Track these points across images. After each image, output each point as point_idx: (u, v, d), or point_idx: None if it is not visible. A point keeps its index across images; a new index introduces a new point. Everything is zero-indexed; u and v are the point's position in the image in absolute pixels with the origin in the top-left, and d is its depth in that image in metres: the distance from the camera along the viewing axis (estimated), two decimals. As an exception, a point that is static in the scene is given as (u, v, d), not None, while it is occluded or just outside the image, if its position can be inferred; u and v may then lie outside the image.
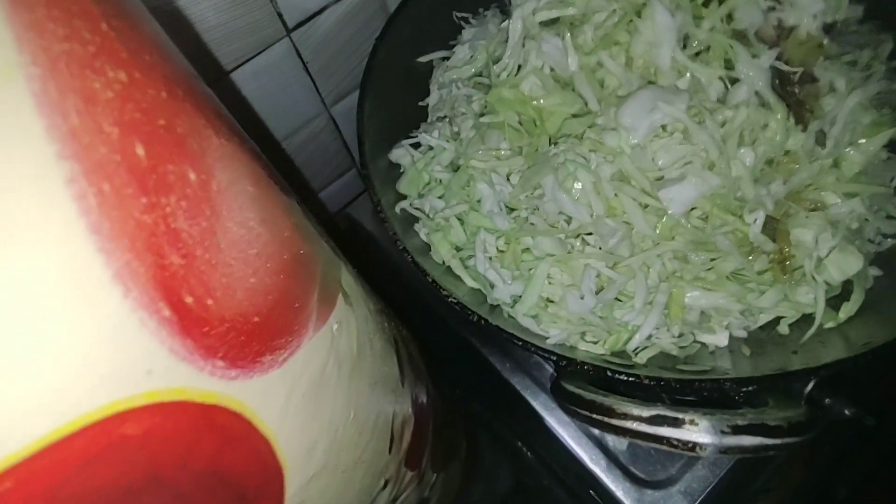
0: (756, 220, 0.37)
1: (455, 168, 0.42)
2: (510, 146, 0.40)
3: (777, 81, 0.38)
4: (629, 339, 0.37)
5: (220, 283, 0.13)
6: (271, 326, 0.15)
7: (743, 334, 0.38)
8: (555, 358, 0.34)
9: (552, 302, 0.39)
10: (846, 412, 0.42)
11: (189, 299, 0.12)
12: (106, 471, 0.11)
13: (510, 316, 0.39)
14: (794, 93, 0.38)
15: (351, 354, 0.19)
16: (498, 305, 0.40)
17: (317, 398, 0.17)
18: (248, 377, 0.14)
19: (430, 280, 0.37)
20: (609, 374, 0.32)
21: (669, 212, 0.37)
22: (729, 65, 0.38)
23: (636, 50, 0.38)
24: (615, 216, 0.38)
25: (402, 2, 0.50)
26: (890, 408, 0.51)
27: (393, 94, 0.49)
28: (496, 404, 0.63)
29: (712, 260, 0.38)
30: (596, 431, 0.48)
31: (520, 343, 0.34)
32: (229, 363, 0.13)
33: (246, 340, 0.14)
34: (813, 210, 0.39)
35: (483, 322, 0.35)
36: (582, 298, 0.36)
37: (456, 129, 0.44)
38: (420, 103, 0.50)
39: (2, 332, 0.10)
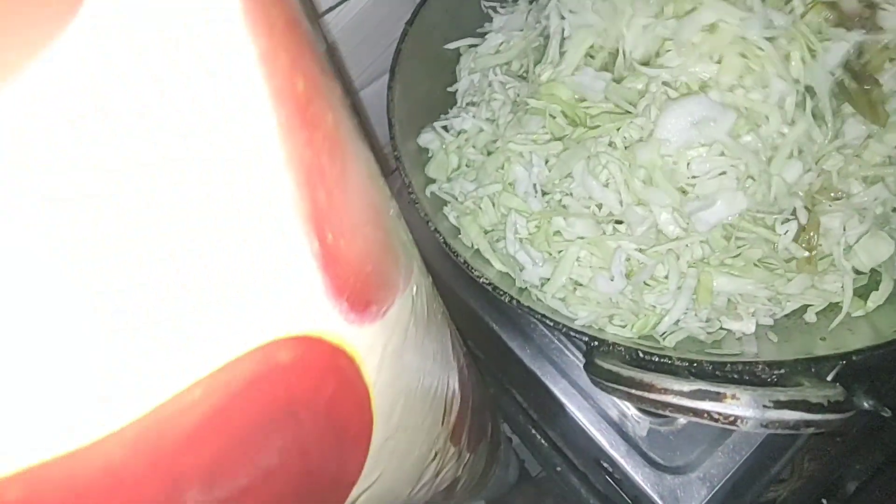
0: (787, 231, 0.37)
1: (488, 152, 0.43)
2: (548, 132, 0.40)
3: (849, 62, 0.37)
4: (657, 322, 0.38)
5: (349, 226, 0.14)
6: (378, 277, 0.15)
7: (769, 322, 0.38)
8: (586, 339, 0.34)
9: (580, 285, 0.39)
10: (864, 404, 0.43)
11: (329, 237, 0.13)
12: (257, 397, 0.12)
13: (538, 299, 0.40)
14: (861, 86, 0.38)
15: (424, 318, 0.20)
16: (526, 288, 0.40)
17: (402, 356, 0.17)
18: (361, 324, 0.14)
19: (461, 261, 0.37)
20: (641, 354, 0.32)
21: (697, 230, 0.37)
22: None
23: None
24: (644, 206, 0.39)
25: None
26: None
27: (421, 79, 0.49)
28: (514, 390, 0.63)
29: (739, 247, 0.38)
30: (615, 418, 0.48)
31: (551, 323, 0.35)
32: (350, 307, 0.14)
33: (362, 287, 0.14)
34: (837, 199, 0.40)
35: (515, 302, 0.36)
36: (612, 280, 0.37)
37: (490, 113, 0.44)
38: (449, 89, 0.51)
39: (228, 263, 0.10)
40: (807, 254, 0.38)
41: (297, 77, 0.12)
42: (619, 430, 0.48)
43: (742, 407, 0.25)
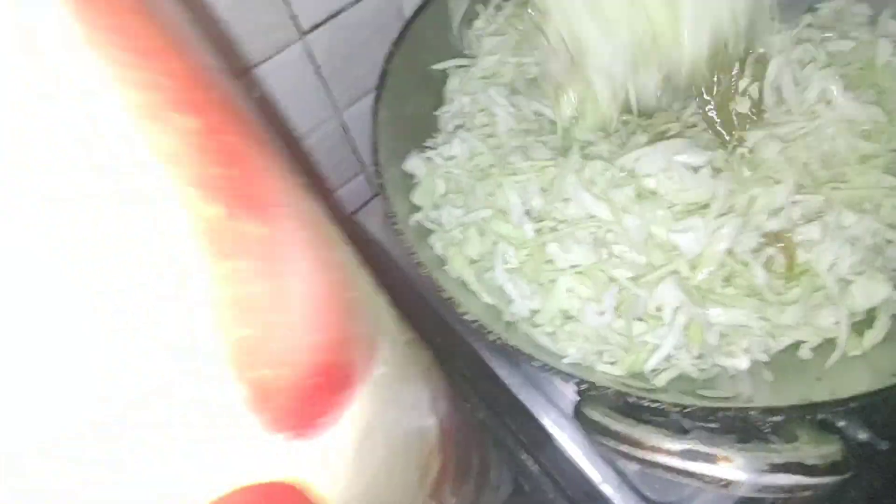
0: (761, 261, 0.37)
1: (482, 176, 0.42)
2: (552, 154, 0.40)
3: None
4: (647, 358, 0.36)
5: (289, 346, 0.12)
6: (330, 385, 0.14)
7: (764, 358, 0.37)
8: (575, 380, 0.33)
9: (570, 317, 0.38)
10: (859, 436, 0.42)
11: (263, 373, 0.11)
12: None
13: (526, 334, 0.39)
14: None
15: (392, 396, 0.18)
16: (514, 322, 0.39)
17: (364, 449, 0.16)
18: (306, 442, 0.13)
19: (446, 297, 0.36)
20: (631, 399, 0.31)
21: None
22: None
23: None
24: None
25: (418, 7, 0.49)
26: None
27: (407, 100, 0.48)
28: (504, 416, 0.62)
29: (726, 277, 0.38)
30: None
31: (538, 364, 0.33)
32: (293, 434, 0.12)
33: (309, 403, 0.13)
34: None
35: (499, 342, 0.34)
36: (602, 314, 0.36)
37: (483, 137, 0.43)
38: (436, 112, 0.50)
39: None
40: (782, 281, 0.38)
41: (210, 202, 0.10)
42: (611, 463, 0.46)
43: (735, 470, 0.24)
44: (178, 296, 0.10)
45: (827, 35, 0.44)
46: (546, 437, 0.49)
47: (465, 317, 0.35)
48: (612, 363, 0.37)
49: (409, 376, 0.21)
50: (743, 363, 0.37)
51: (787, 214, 0.39)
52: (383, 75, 0.46)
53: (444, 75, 0.51)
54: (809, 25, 0.46)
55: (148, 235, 0.09)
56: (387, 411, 0.17)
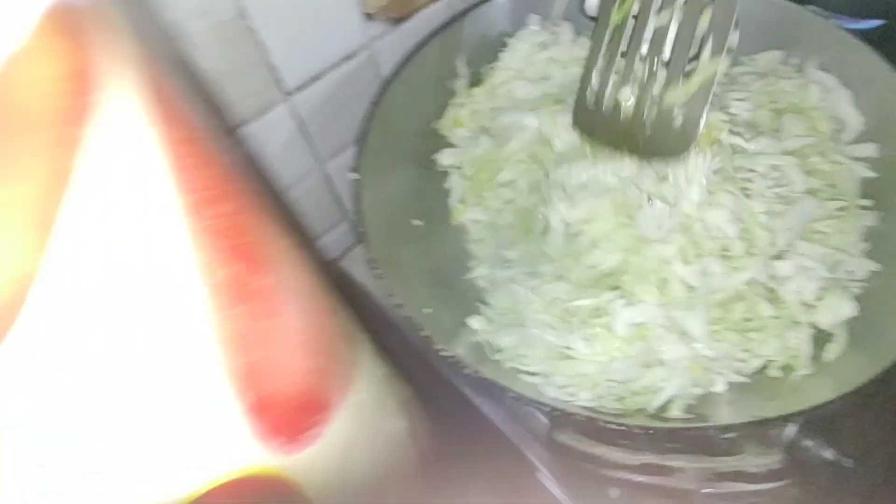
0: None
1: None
2: None
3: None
4: (652, 400, 0.39)
5: (283, 370, 0.15)
6: (314, 403, 0.17)
7: (741, 379, 0.40)
8: (547, 409, 0.35)
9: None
10: (824, 455, 0.44)
11: (263, 388, 0.14)
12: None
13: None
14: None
15: (371, 420, 0.21)
16: (498, 360, 0.41)
17: (346, 463, 0.18)
18: (298, 452, 0.16)
19: (424, 335, 0.39)
20: (600, 423, 0.33)
21: None
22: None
23: None
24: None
25: (395, 68, 0.53)
26: (866, 449, 0.53)
27: (387, 154, 0.51)
28: (488, 456, 0.63)
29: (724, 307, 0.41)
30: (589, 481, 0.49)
31: (513, 395, 0.36)
32: (286, 441, 0.15)
33: (298, 418, 0.16)
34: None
35: (477, 374, 0.37)
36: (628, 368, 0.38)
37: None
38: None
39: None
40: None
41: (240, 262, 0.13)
42: (589, 494, 0.48)
43: (688, 480, 0.26)
44: (195, 332, 0.12)
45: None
46: (529, 471, 0.51)
47: (442, 353, 0.38)
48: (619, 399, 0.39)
49: (386, 405, 0.24)
50: (720, 387, 0.40)
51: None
52: (362, 136, 0.49)
53: (423, 130, 0.55)
54: (749, 74, 0.50)
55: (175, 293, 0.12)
56: (366, 435, 0.20)
